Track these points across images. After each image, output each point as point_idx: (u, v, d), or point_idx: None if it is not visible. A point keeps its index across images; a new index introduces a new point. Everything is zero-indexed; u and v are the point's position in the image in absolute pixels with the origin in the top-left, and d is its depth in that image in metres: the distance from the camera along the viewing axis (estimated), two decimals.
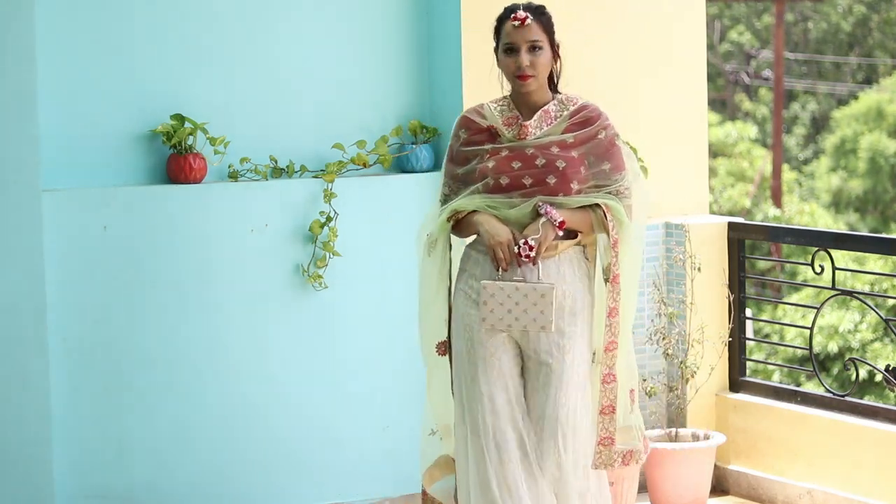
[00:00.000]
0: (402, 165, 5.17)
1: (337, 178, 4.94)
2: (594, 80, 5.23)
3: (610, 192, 3.93)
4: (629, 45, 5.52)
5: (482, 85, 4.91)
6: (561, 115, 3.98)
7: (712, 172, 18.62)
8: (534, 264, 3.84)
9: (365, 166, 5.04)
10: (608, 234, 3.91)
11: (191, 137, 4.74)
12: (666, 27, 5.61)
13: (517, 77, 3.92)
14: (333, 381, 5.00)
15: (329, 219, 4.92)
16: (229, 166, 4.88)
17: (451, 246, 4.03)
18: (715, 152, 19.42)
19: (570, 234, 3.94)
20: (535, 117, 3.97)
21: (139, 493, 4.68)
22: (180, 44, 4.81)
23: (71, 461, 4.56)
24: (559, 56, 4.01)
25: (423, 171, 5.13)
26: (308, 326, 4.95)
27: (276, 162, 4.95)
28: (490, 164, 3.92)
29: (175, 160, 4.73)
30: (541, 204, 3.86)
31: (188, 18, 4.83)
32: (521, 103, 4.00)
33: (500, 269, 3.87)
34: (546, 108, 3.99)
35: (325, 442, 4.98)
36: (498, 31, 3.98)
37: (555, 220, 3.83)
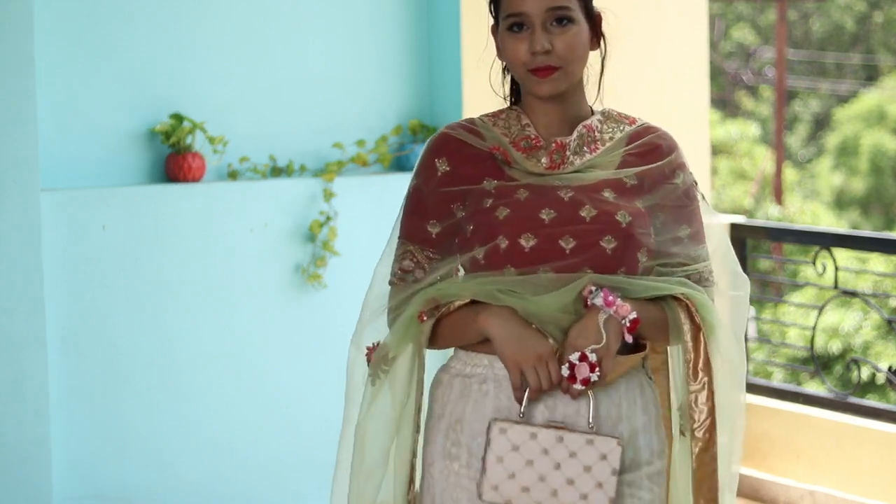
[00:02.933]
0: (401, 165, 5.15)
1: (336, 178, 4.93)
2: (593, 79, 5.22)
3: (686, 277, 2.39)
4: (629, 43, 5.51)
5: (483, 85, 4.91)
6: (612, 139, 2.45)
7: (713, 171, 18.61)
8: (589, 392, 2.31)
9: (365, 165, 5.03)
10: (691, 348, 2.36)
11: (190, 137, 4.72)
12: (667, 25, 5.59)
13: (530, 71, 2.37)
14: (333, 380, 4.98)
15: (329, 218, 4.90)
16: (228, 165, 4.87)
17: (422, 368, 2.41)
18: (716, 151, 19.41)
19: (633, 346, 2.37)
20: (576, 135, 2.42)
21: (138, 493, 4.67)
22: (179, 43, 4.79)
23: (69, 461, 4.54)
24: (602, 37, 2.48)
25: None
26: (307, 326, 4.93)
27: (275, 161, 4.94)
28: (502, 215, 2.34)
29: (174, 159, 4.71)
30: (592, 288, 2.28)
31: (187, 17, 4.81)
32: (540, 119, 2.44)
33: (523, 404, 2.30)
34: (588, 123, 2.44)
35: (325, 441, 4.97)
36: (496, 1, 2.45)
37: (624, 317, 2.27)
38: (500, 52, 2.45)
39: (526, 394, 2.28)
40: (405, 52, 5.20)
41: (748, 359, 5.56)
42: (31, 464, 4.43)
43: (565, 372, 2.25)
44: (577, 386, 2.25)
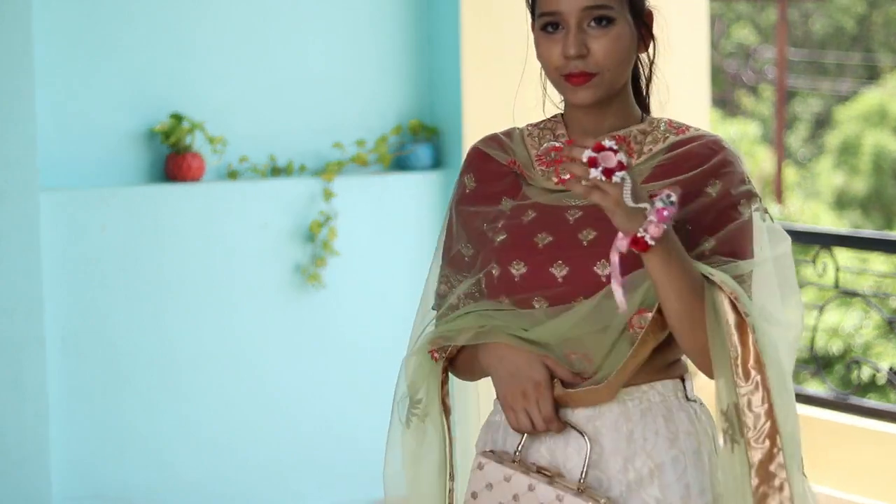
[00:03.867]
0: (401, 164, 5.15)
1: (336, 178, 4.92)
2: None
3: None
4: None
5: (483, 84, 4.89)
6: (650, 151, 2.16)
7: None
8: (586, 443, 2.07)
9: (365, 165, 5.02)
10: (738, 342, 2.02)
11: (189, 137, 4.71)
12: (668, 25, 5.59)
13: (563, 77, 2.12)
14: (332, 380, 4.98)
15: (328, 218, 4.90)
16: (228, 165, 4.86)
17: (447, 410, 2.23)
18: None
19: (662, 363, 2.12)
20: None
21: (138, 493, 4.66)
22: (179, 43, 4.79)
23: (69, 461, 4.54)
24: (652, 39, 2.24)
25: (422, 171, 5.11)
26: (307, 326, 4.92)
27: (275, 161, 4.93)
28: (498, 240, 2.16)
29: (173, 159, 4.70)
30: (670, 192, 1.91)
31: (187, 17, 4.80)
32: (575, 128, 2.20)
33: (520, 442, 2.12)
34: (622, 133, 2.17)
35: (325, 441, 4.96)
36: None
37: (650, 232, 1.91)
38: (539, 54, 2.17)
39: (523, 436, 2.10)
40: (405, 52, 5.19)
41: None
42: (30, 464, 4.42)
43: (587, 156, 1.89)
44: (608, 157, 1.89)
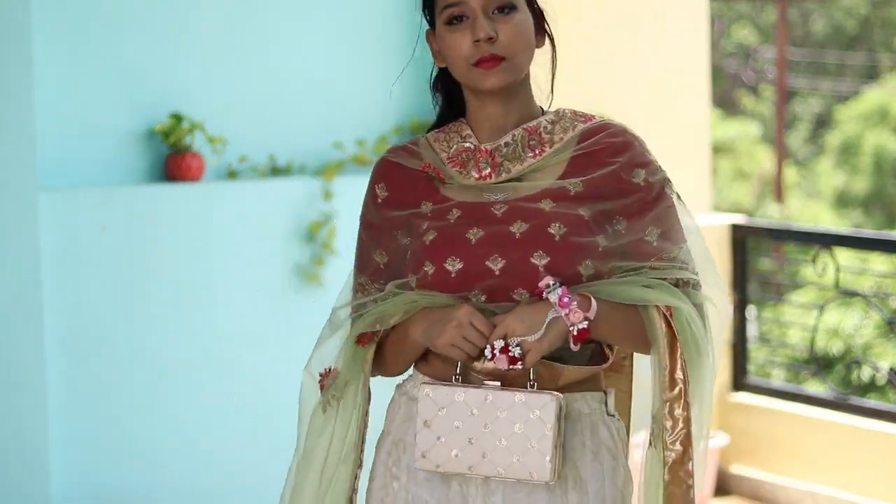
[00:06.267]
0: None
1: (336, 178, 4.92)
2: (595, 78, 5.20)
3: (656, 270, 2.20)
4: (630, 42, 5.49)
5: None
6: (561, 140, 2.25)
7: (714, 171, 18.61)
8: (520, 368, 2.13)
9: (364, 165, 5.02)
10: (667, 355, 2.18)
11: (189, 136, 4.71)
12: (667, 25, 5.58)
13: (474, 65, 2.22)
14: None
15: (328, 218, 4.90)
16: (228, 165, 4.86)
17: (366, 398, 2.36)
18: (717, 150, 19.41)
19: (593, 355, 2.25)
20: (507, 138, 2.24)
21: (136, 494, 4.66)
22: (179, 43, 4.78)
23: (68, 462, 4.53)
24: (547, 31, 2.29)
25: None
26: (307, 326, 4.91)
27: (274, 161, 4.93)
28: (429, 239, 2.21)
29: (173, 159, 4.70)
30: (550, 282, 2.10)
31: (186, 17, 4.80)
32: (482, 126, 2.28)
33: (457, 370, 2.17)
34: (532, 124, 2.26)
35: None
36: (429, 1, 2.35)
37: (573, 324, 2.10)
38: (439, 55, 2.34)
39: (457, 365, 2.15)
40: (405, 51, 5.19)
41: (746, 359, 5.54)
42: (29, 465, 4.42)
43: (487, 354, 2.08)
44: (499, 361, 2.08)
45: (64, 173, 4.59)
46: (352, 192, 4.98)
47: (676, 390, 2.16)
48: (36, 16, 4.47)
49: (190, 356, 4.72)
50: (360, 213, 2.37)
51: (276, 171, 4.93)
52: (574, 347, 2.11)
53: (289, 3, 4.97)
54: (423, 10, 2.36)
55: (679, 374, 2.16)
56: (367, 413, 2.32)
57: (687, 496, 2.18)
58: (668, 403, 2.16)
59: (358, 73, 5.11)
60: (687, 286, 2.20)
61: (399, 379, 2.38)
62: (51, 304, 4.46)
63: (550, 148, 2.23)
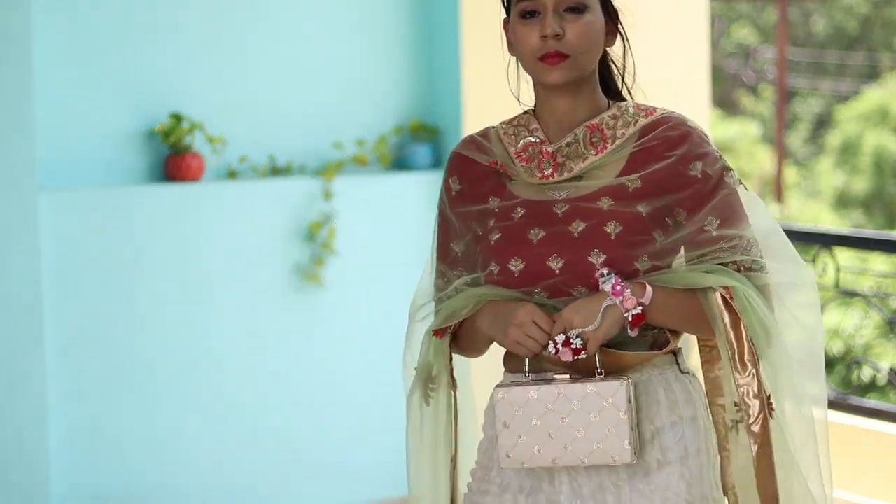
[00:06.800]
0: (401, 164, 5.14)
1: (336, 177, 4.92)
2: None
3: (724, 264, 2.26)
4: (630, 42, 5.50)
5: (483, 84, 4.89)
6: (623, 135, 2.32)
7: None
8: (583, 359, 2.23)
9: (364, 165, 5.01)
10: (733, 339, 2.24)
11: (189, 136, 4.71)
12: (667, 25, 5.58)
13: (540, 59, 2.28)
14: (332, 380, 4.98)
15: (328, 218, 4.89)
16: (228, 165, 4.86)
17: (454, 384, 2.39)
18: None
19: (657, 339, 2.32)
20: (569, 138, 2.32)
21: (136, 494, 4.66)
22: (178, 42, 4.78)
23: (68, 462, 4.53)
24: (621, 30, 2.38)
25: (422, 171, 5.10)
26: (307, 326, 4.92)
27: (274, 161, 4.93)
28: (494, 239, 2.31)
29: (173, 159, 4.70)
30: (605, 271, 2.22)
31: (186, 17, 4.80)
32: (549, 120, 2.35)
33: (527, 367, 2.27)
34: (595, 121, 2.33)
35: (325, 442, 4.96)
36: None
37: (628, 310, 2.21)
38: (511, 46, 2.37)
39: (526, 359, 2.25)
40: (405, 51, 5.18)
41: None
42: (29, 464, 4.42)
43: (551, 349, 2.20)
44: (563, 353, 2.19)
45: (64, 173, 4.59)
46: (352, 192, 4.99)
47: (748, 374, 2.23)
48: (36, 16, 4.47)
49: (190, 356, 4.72)
50: (437, 202, 2.45)
51: (276, 171, 4.93)
52: (632, 333, 2.21)
53: (289, 4, 4.97)
54: (502, 1, 2.38)
55: (748, 357, 2.23)
56: (456, 399, 2.37)
57: (773, 478, 2.25)
58: (744, 388, 2.22)
59: (358, 72, 5.11)
60: (750, 271, 2.27)
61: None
62: (51, 304, 4.46)
63: (612, 144, 2.31)
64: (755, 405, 2.24)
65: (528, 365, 2.26)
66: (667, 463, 2.26)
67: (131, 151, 4.72)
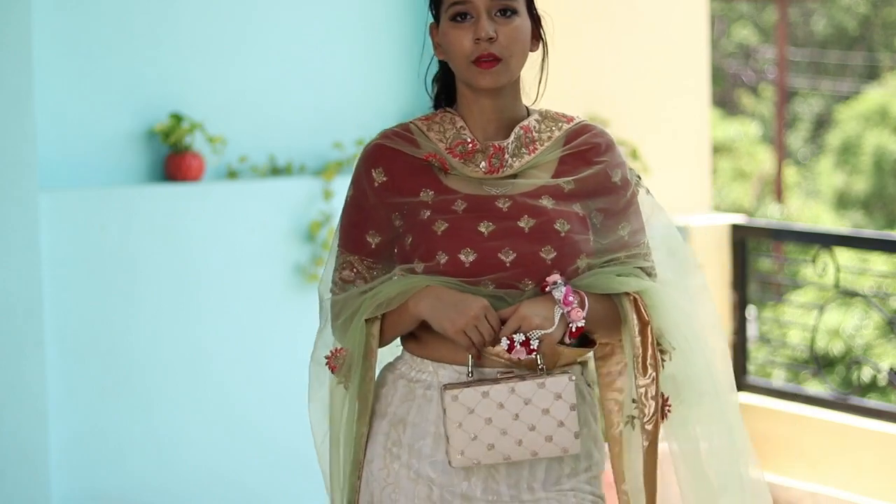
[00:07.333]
0: None
1: (336, 177, 4.92)
2: (595, 79, 5.20)
3: (625, 263, 2.38)
4: (630, 42, 5.49)
5: None
6: (549, 139, 2.39)
7: (714, 171, 18.60)
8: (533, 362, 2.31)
9: None
10: (639, 343, 2.34)
11: (189, 136, 4.71)
12: (668, 24, 5.58)
13: (474, 62, 2.34)
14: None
15: (328, 218, 4.90)
16: (228, 165, 4.86)
17: (374, 370, 2.41)
18: (717, 150, 19.41)
19: (582, 341, 2.39)
20: (514, 137, 2.37)
21: (136, 494, 4.66)
22: (178, 42, 4.78)
23: (67, 463, 4.53)
24: (542, 37, 2.41)
25: None
26: (307, 326, 4.91)
27: (274, 161, 4.93)
28: (441, 229, 2.31)
29: (173, 159, 4.70)
30: (557, 279, 2.28)
31: (186, 17, 4.80)
32: (475, 120, 2.40)
33: (470, 363, 2.31)
34: (525, 124, 2.39)
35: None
36: None
37: (573, 321, 2.30)
38: (440, 49, 2.46)
39: (470, 356, 2.29)
40: (405, 51, 5.19)
41: (747, 359, 5.53)
42: (29, 464, 4.42)
43: (504, 344, 2.25)
44: (516, 352, 2.27)
45: (64, 173, 4.59)
46: None
47: (649, 377, 2.32)
48: (36, 17, 4.46)
49: (190, 356, 4.72)
50: (347, 194, 2.45)
51: (276, 171, 4.93)
52: (570, 342, 2.30)
53: (289, 4, 4.97)
54: (430, 5, 2.49)
55: (651, 361, 2.32)
56: (371, 385, 2.40)
57: (655, 470, 2.34)
58: (643, 389, 2.32)
59: (358, 73, 5.11)
60: (648, 276, 2.39)
61: (386, 360, 2.48)
62: (51, 304, 4.46)
63: (542, 146, 2.38)
64: (651, 405, 2.32)
65: (470, 363, 2.30)
66: (576, 472, 2.37)
67: (131, 151, 4.72)
